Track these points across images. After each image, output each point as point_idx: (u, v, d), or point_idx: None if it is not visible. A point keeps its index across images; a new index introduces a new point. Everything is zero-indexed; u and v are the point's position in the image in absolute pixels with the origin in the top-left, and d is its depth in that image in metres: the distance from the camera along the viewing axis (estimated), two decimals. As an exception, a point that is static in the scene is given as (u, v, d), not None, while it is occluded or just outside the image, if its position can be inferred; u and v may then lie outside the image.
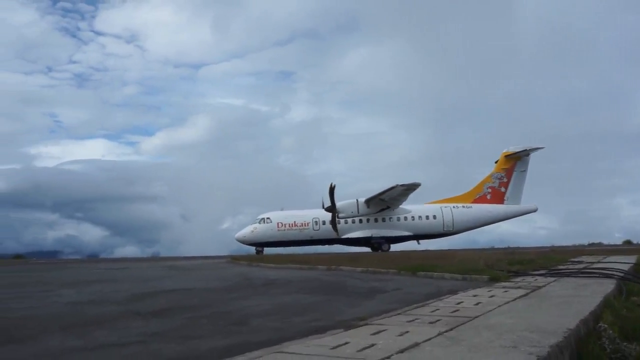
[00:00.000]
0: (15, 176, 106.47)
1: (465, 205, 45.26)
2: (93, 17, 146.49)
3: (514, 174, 45.80)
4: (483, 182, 46.48)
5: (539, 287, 10.36)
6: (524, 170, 46.05)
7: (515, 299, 8.62)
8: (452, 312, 7.26)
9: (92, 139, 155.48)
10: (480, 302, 8.26)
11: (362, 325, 6.42)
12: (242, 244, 42.91)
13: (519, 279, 12.63)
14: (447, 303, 8.43)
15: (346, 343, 5.26)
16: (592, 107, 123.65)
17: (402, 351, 4.78)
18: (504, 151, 46.43)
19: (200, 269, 23.52)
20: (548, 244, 44.89)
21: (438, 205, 45.25)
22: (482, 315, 6.87)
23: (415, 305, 8.31)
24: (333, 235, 42.32)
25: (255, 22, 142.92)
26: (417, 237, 44.35)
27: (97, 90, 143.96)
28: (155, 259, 41.65)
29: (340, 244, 44.05)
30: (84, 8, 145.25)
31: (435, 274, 14.59)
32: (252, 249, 42.35)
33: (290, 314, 8.11)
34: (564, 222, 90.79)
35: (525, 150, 45.38)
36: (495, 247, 44.03)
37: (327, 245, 44.57)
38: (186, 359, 5.00)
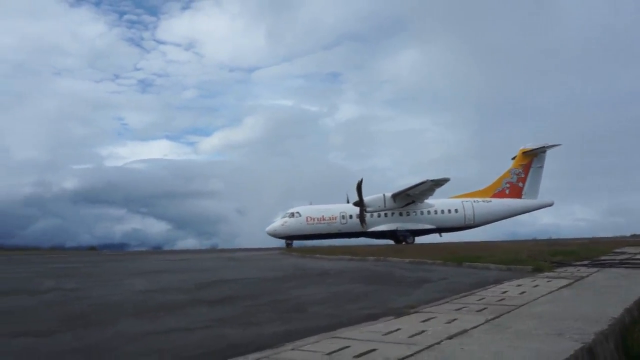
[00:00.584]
0: (88, 175, 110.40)
1: (485, 199, 45.62)
2: (155, 27, 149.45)
3: (531, 169, 45.93)
4: (502, 178, 46.76)
5: (582, 277, 10.15)
6: (541, 166, 46.12)
7: (559, 288, 8.48)
8: (497, 301, 7.21)
9: (155, 139, 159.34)
10: (524, 292, 8.16)
11: (412, 313, 6.45)
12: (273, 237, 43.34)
13: (561, 269, 12.39)
14: (492, 292, 8.36)
15: (398, 329, 5.31)
16: (634, 104, 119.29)
17: (451, 337, 4.79)
18: (522, 148, 46.59)
19: (256, 259, 23.84)
20: (589, 236, 43.75)
21: (459, 200, 45.60)
22: (527, 304, 6.80)
23: (462, 294, 8.27)
24: (360, 228, 42.67)
25: (304, 27, 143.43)
26: (440, 230, 44.63)
27: (160, 94, 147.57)
28: (213, 250, 42.47)
29: (367, 236, 44.32)
30: (147, 19, 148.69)
31: (480, 264, 14.43)
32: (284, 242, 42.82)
33: (344, 302, 8.18)
34: (604, 214, 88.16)
35: (543, 147, 45.49)
36: (537, 238, 43.21)
37: (353, 238, 44.80)
38: (250, 343, 5.12)
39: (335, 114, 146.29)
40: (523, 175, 45.90)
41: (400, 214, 43.60)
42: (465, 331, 5.06)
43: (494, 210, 45.31)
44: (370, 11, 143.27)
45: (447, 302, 7.43)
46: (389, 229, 43.29)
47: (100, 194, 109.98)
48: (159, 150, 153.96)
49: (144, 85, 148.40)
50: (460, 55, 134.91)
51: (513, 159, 47.31)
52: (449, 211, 44.67)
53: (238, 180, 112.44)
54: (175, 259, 26.19)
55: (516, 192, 45.86)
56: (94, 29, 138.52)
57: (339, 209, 43.16)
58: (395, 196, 41.74)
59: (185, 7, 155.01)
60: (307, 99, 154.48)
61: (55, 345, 5.28)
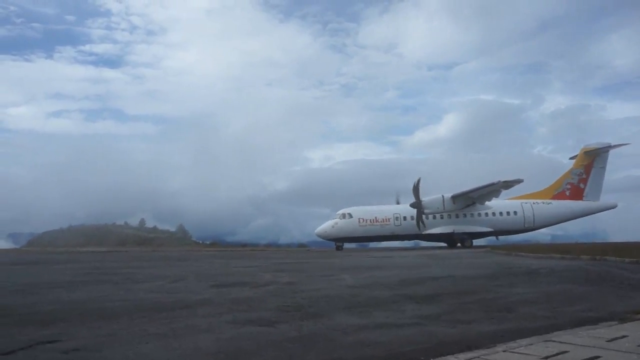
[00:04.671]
0: (298, 176, 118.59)
1: (545, 201, 42.17)
2: (356, 33, 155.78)
3: (593, 170, 42.40)
4: (562, 178, 43.27)
5: None
6: (603, 167, 42.51)
7: None
8: None
9: (358, 140, 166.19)
10: None
11: (638, 319, 5.85)
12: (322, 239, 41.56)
13: None
14: None
15: (623, 336, 4.87)
16: None
17: (692, 349, 4.25)
18: (583, 147, 42.90)
19: (460, 257, 23.43)
20: None
21: (518, 202, 42.22)
22: None
23: (699, 300, 7.31)
24: (414, 230, 40.15)
25: (504, 18, 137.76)
26: (498, 233, 41.52)
27: (361, 97, 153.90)
28: (415, 248, 42.51)
29: (421, 239, 42.21)
30: (349, 26, 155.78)
31: None
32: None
33: (557, 303, 7.71)
34: None
35: (607, 146, 41.78)
36: None
37: (406, 241, 43.28)
38: (459, 341, 5.07)
39: (540, 106, 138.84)
40: (584, 176, 42.55)
41: (457, 216, 40.84)
42: None
43: (555, 213, 41.94)
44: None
45: (682, 308, 6.60)
46: (445, 231, 40.53)
47: (309, 194, 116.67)
48: (362, 150, 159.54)
49: (347, 89, 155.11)
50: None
51: (572, 158, 44.03)
52: (508, 213, 41.40)
53: (439, 178, 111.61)
54: (380, 256, 26.80)
55: (577, 194, 42.55)
56: (300, 41, 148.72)
57: (392, 210, 41.00)
58: (455, 197, 39.18)
59: (384, 11, 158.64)
60: (509, 92, 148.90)
61: (276, 335, 5.72)
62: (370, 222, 40.35)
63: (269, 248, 48.28)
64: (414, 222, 39.72)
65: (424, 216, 39.73)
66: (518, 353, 4.38)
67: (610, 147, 42.23)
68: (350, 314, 7.07)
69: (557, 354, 4.27)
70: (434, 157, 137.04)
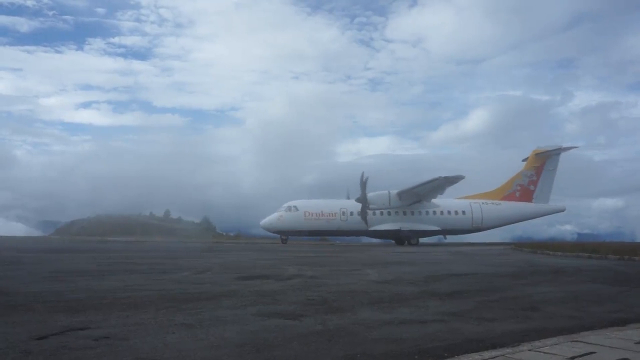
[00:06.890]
0: (324, 170, 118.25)
1: (494, 202, 42.15)
2: (384, 27, 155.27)
3: (544, 172, 42.62)
4: (513, 180, 43.37)
5: None
6: (554, 169, 42.69)
7: None
8: None
9: (384, 135, 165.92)
10: None
11: (668, 321, 5.78)
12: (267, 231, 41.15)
13: None
14: None
15: (652, 338, 4.80)
16: None
17: None
18: (535, 149, 43.04)
19: (484, 254, 23.27)
20: None
21: (467, 201, 41.95)
22: None
23: None
24: (361, 226, 39.52)
25: (535, 12, 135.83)
26: (445, 232, 41.13)
27: (388, 92, 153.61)
28: (441, 244, 42.29)
29: (368, 236, 41.59)
30: (376, 20, 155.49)
31: None
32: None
33: (584, 303, 7.64)
34: None
35: (557, 149, 42.09)
36: None
37: (352, 237, 42.94)
38: (484, 339, 5.06)
39: (568, 103, 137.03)
40: (535, 178, 42.75)
41: (404, 213, 40.17)
42: None
43: (504, 214, 41.95)
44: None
45: None
46: (392, 228, 39.82)
47: (335, 188, 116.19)
48: (387, 145, 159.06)
49: (374, 84, 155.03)
50: None
51: (524, 160, 43.86)
52: (456, 212, 41.09)
53: (465, 174, 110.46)
54: (404, 252, 26.73)
55: (527, 196, 42.70)
56: (328, 34, 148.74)
57: (339, 205, 40.30)
58: (401, 194, 38.45)
59: (412, 5, 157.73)
60: (537, 88, 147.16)
61: (301, 328, 5.77)
62: (317, 215, 39.73)
63: (292, 241, 48.47)
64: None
65: (370, 212, 39.09)
66: (543, 352, 4.36)
67: (561, 149, 42.30)
68: (374, 309, 7.09)
69: (584, 354, 4.24)
70: (459, 153, 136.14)
